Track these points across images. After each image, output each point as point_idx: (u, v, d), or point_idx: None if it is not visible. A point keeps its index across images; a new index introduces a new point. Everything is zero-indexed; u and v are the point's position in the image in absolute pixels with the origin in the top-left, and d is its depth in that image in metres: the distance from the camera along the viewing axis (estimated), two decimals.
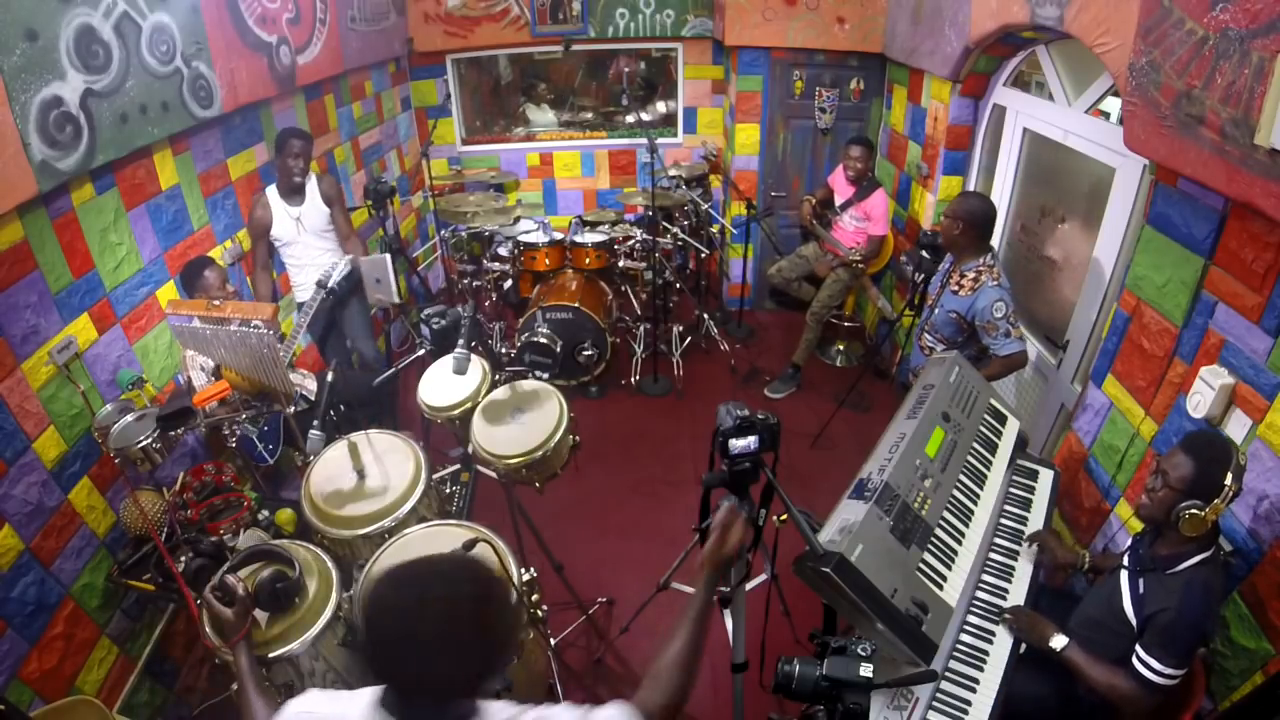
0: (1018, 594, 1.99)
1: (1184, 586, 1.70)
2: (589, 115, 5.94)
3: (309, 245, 3.40)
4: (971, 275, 2.76)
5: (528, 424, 2.47)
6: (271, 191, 3.27)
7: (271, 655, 1.77)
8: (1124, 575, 1.86)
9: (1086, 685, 1.82)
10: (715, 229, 5.27)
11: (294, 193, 3.29)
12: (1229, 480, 1.64)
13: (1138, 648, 1.73)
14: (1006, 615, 1.91)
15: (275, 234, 3.28)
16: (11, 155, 1.89)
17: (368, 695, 1.13)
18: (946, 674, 1.78)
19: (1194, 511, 1.66)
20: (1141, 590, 1.79)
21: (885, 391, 4.31)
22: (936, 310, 2.91)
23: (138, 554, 2.33)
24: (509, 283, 4.74)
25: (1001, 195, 3.54)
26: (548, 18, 5.04)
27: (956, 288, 2.82)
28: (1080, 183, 3.07)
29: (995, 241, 3.51)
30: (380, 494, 2.22)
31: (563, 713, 1.14)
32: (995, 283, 2.67)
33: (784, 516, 1.81)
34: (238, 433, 2.71)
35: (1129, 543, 1.94)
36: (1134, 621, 1.78)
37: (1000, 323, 2.65)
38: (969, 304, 2.73)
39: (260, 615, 1.75)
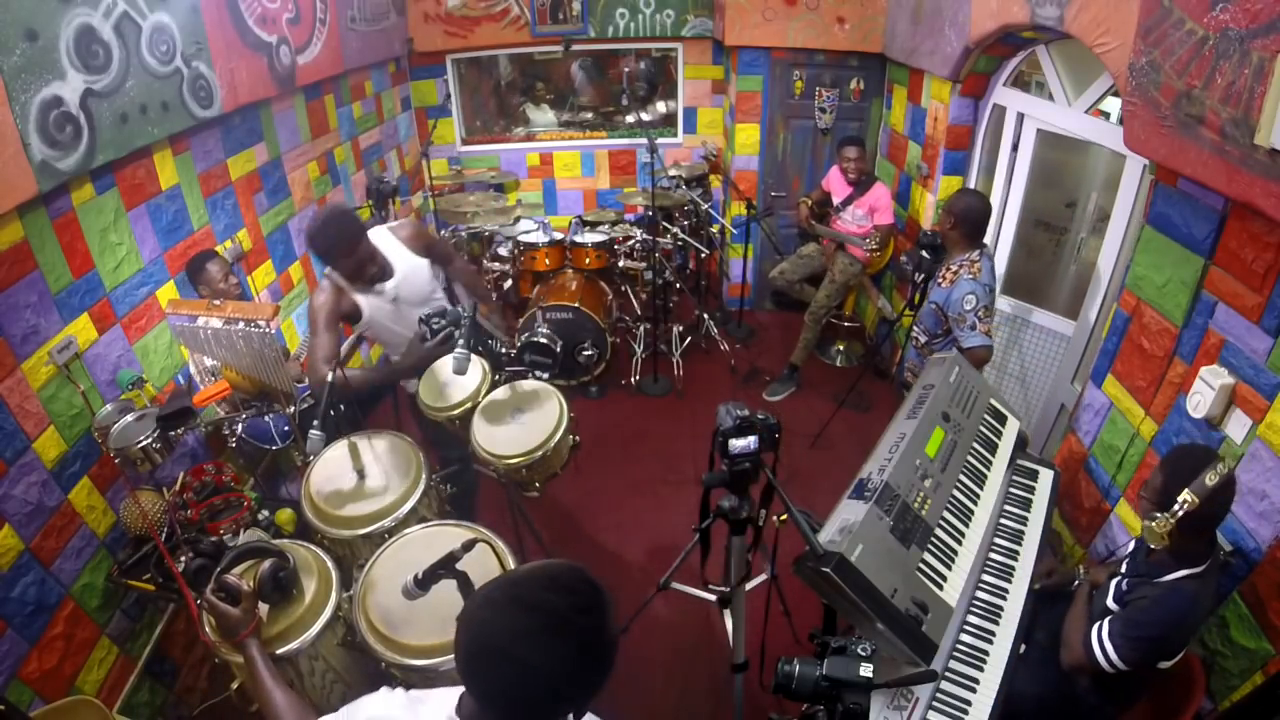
0: (1017, 594, 1.98)
1: (1167, 590, 1.71)
2: (589, 115, 5.94)
3: (409, 318, 2.51)
4: (955, 268, 2.81)
5: (528, 424, 2.47)
6: (338, 277, 2.40)
7: (270, 654, 1.77)
8: (1114, 580, 1.88)
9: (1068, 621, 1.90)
10: (715, 229, 5.27)
11: (375, 281, 2.44)
12: (1186, 495, 1.63)
13: (1104, 626, 1.74)
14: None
15: (370, 321, 2.48)
16: (11, 155, 1.89)
17: (445, 705, 1.05)
18: (946, 674, 1.78)
19: (1148, 523, 1.67)
20: (1125, 588, 1.82)
21: (885, 391, 4.31)
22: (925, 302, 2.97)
23: (138, 554, 2.33)
24: (509, 283, 4.74)
25: (1002, 195, 3.54)
26: (548, 18, 5.04)
27: (941, 280, 2.87)
28: (1081, 182, 3.08)
29: (1004, 240, 3.53)
30: (380, 494, 2.22)
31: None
32: (972, 277, 2.70)
33: (784, 516, 1.81)
34: (238, 432, 2.71)
35: (1130, 548, 1.94)
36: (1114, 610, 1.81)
37: (968, 315, 2.68)
38: (946, 295, 2.78)
39: (261, 608, 1.75)
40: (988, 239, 3.67)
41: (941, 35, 3.46)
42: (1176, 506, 1.64)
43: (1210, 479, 1.63)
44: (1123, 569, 1.90)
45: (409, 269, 2.53)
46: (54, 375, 2.15)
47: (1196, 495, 1.63)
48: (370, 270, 2.39)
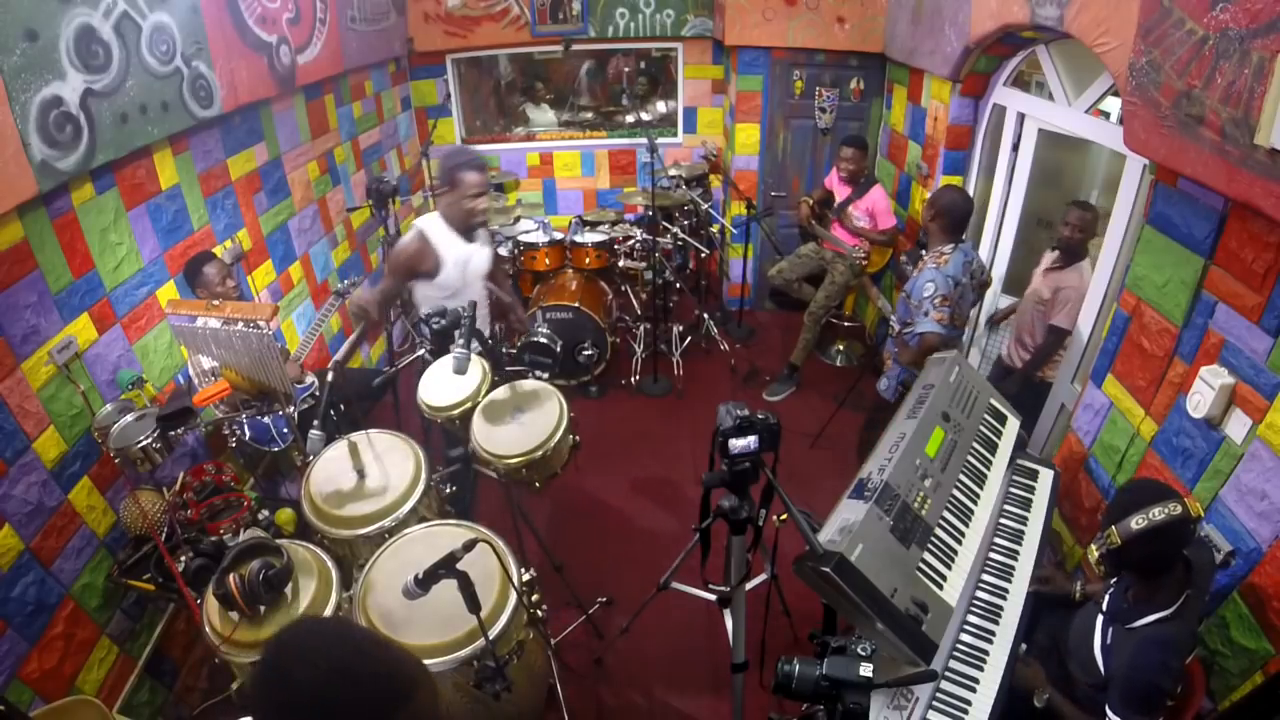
0: (1017, 594, 1.98)
1: (1137, 645, 1.69)
2: (589, 115, 5.94)
3: (479, 296, 2.86)
4: (927, 258, 2.84)
5: (528, 424, 2.47)
6: (433, 225, 2.69)
7: None
8: (1099, 619, 1.86)
9: None
10: (715, 229, 5.27)
11: (468, 235, 2.74)
12: (1110, 530, 1.65)
13: (1108, 709, 1.73)
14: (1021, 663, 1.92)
15: (442, 282, 2.72)
16: (11, 155, 1.89)
17: None
18: (946, 674, 1.78)
19: (1090, 548, 1.70)
20: (1109, 641, 1.80)
21: None
22: None
23: (138, 554, 2.33)
24: (509, 283, 4.74)
25: (1002, 195, 3.54)
26: (548, 18, 5.04)
27: (916, 270, 2.93)
28: (1081, 182, 3.08)
29: (1005, 239, 3.53)
30: (380, 494, 2.22)
31: None
32: (937, 266, 2.73)
33: (784, 516, 1.81)
34: (237, 432, 2.71)
35: (1113, 580, 1.92)
36: (1101, 669, 1.79)
37: (925, 302, 2.71)
38: (913, 283, 2.80)
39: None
40: (988, 237, 3.69)
41: (941, 35, 3.46)
42: (1100, 537, 1.65)
43: (1137, 523, 1.61)
44: (1105, 604, 1.88)
45: (481, 244, 2.82)
46: (54, 375, 2.15)
47: (1119, 535, 1.63)
48: (477, 218, 2.68)
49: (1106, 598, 1.88)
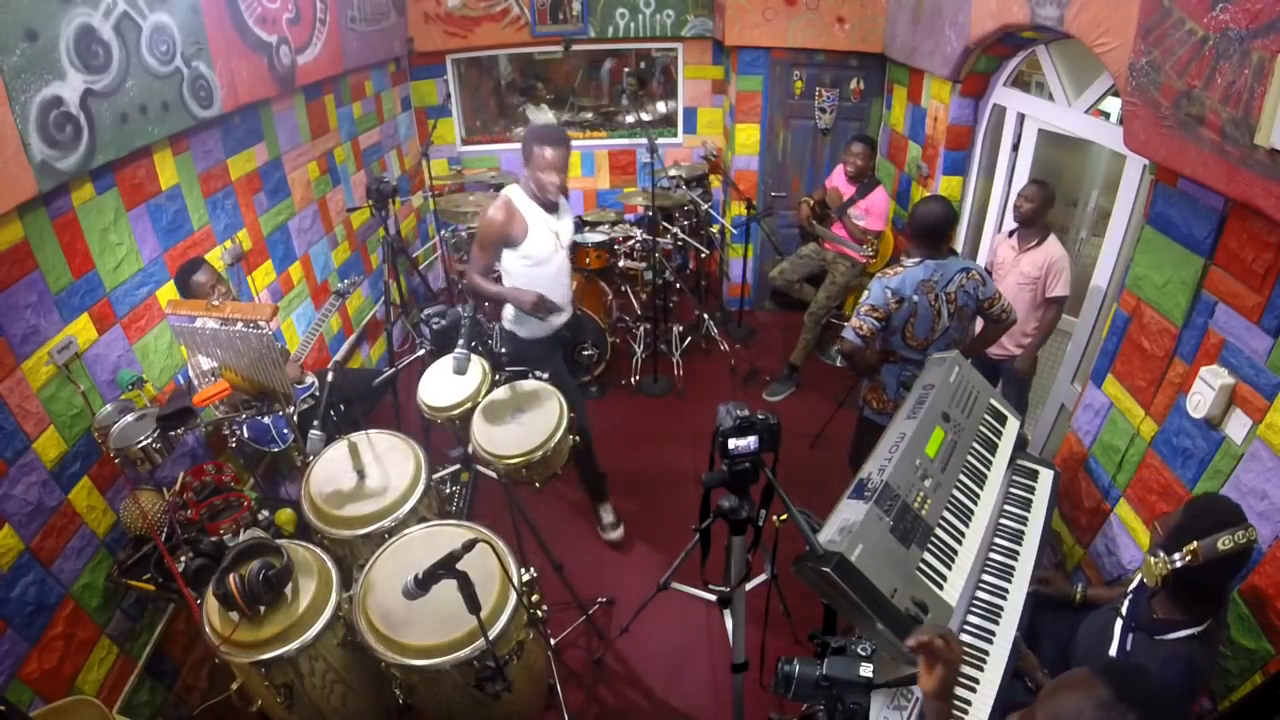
0: (1018, 594, 1.98)
1: (1165, 659, 1.66)
2: (589, 115, 5.94)
3: (563, 268, 2.91)
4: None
5: (528, 424, 2.47)
6: (517, 194, 2.76)
7: (270, 655, 1.77)
8: (1118, 624, 1.82)
9: None
10: (715, 229, 5.27)
11: (549, 207, 2.82)
12: (1193, 546, 1.58)
13: None
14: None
15: (529, 251, 2.77)
16: (11, 155, 1.89)
17: None
18: None
19: (1149, 558, 1.66)
20: (1129, 648, 1.76)
21: None
22: None
23: (138, 554, 2.33)
24: None
25: (1002, 195, 3.54)
26: (548, 18, 5.04)
27: None
28: (1081, 182, 3.08)
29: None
30: (380, 494, 2.23)
31: None
32: (881, 275, 2.70)
33: (784, 516, 1.81)
34: (237, 432, 2.71)
35: (1132, 586, 1.87)
36: None
37: (857, 308, 2.69)
38: None
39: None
40: (987, 238, 3.68)
41: (941, 35, 3.46)
42: (1179, 555, 1.60)
43: (1223, 544, 1.56)
44: (1124, 609, 1.83)
45: (566, 216, 2.89)
46: (54, 375, 2.15)
47: (1203, 553, 1.57)
48: (548, 191, 2.71)
49: (1126, 603, 1.84)
